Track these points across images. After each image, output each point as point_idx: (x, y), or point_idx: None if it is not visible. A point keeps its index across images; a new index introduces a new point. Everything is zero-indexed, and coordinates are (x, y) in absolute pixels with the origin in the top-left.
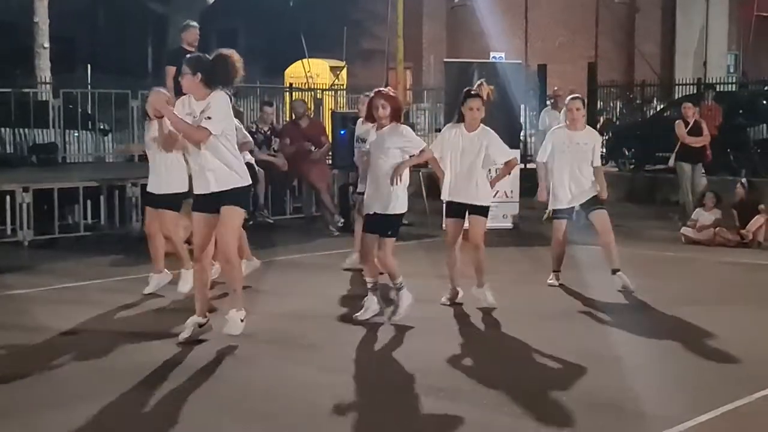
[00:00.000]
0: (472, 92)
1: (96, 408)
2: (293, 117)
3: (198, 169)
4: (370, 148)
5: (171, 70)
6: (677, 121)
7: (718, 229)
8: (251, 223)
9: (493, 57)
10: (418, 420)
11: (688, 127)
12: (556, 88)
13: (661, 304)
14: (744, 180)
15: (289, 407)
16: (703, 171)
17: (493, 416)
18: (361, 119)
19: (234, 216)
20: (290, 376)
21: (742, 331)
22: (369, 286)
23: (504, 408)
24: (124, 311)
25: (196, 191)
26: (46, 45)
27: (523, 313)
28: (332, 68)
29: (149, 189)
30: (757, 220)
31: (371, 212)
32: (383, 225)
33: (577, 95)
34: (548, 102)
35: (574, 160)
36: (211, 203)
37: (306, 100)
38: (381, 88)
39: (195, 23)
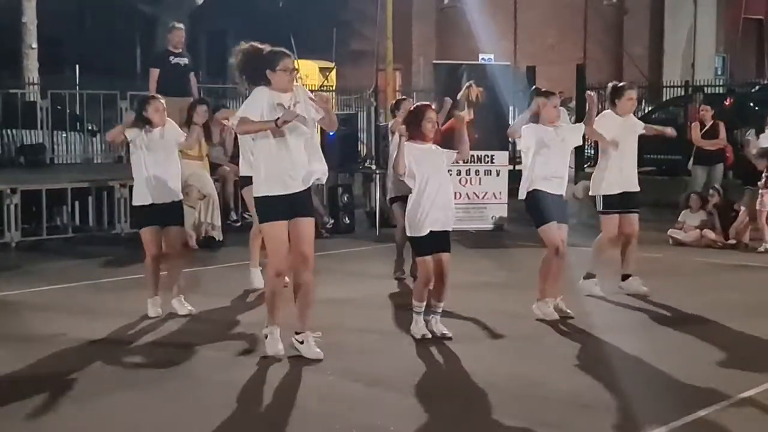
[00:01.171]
0: None
1: (88, 411)
2: None
3: (290, 165)
4: (426, 168)
5: (154, 72)
6: (693, 123)
7: (704, 231)
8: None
9: (483, 58)
10: (411, 421)
11: (704, 130)
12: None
13: (650, 305)
14: (717, 185)
15: (285, 407)
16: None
17: (484, 417)
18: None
19: (313, 225)
20: (287, 377)
21: (730, 332)
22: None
23: (495, 409)
24: (113, 313)
25: (278, 191)
26: (34, 46)
27: (514, 315)
28: (321, 69)
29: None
30: (741, 218)
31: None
32: (449, 239)
33: (630, 83)
34: None
35: (633, 145)
36: (290, 207)
37: None
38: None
39: (180, 24)
